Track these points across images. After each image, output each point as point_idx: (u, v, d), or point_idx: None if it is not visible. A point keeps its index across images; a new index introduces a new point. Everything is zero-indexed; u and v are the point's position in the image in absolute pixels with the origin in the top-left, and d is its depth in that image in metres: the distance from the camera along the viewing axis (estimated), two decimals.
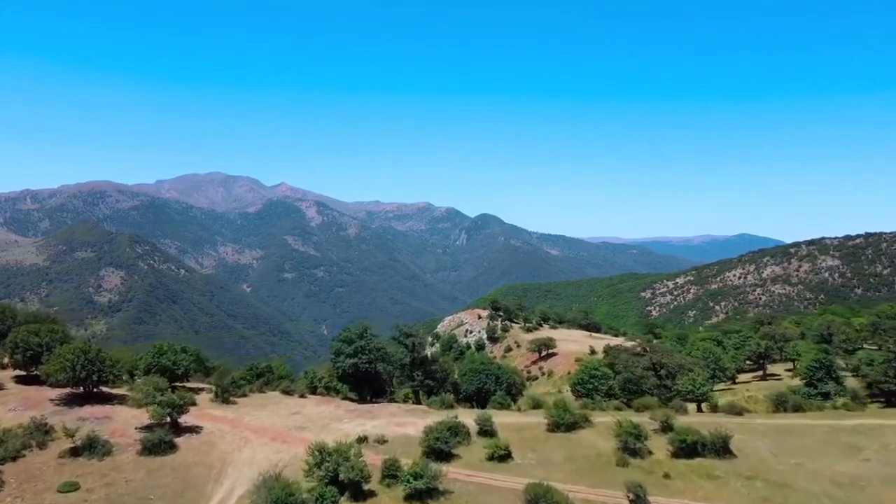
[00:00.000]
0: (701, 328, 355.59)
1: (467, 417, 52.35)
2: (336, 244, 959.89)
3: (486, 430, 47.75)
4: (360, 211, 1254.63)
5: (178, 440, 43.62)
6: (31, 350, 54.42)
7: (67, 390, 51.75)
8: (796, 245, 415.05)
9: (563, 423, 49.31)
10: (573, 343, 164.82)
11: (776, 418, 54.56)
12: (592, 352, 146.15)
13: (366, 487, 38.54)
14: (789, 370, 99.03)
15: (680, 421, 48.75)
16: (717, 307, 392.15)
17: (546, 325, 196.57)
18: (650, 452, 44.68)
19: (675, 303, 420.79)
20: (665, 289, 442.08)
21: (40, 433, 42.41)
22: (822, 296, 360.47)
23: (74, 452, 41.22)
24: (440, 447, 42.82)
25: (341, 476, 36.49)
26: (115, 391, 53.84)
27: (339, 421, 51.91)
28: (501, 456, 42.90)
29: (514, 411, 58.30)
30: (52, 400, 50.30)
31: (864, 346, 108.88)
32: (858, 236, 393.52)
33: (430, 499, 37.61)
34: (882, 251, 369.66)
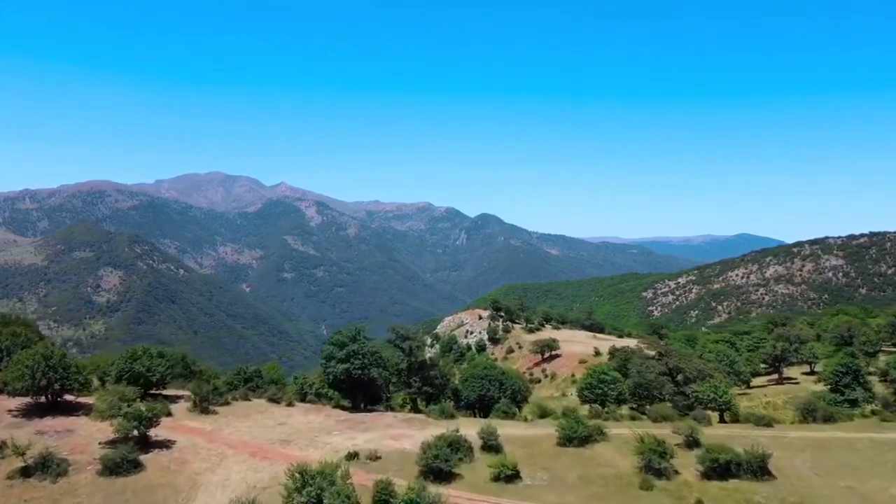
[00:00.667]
0: (704, 328, 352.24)
1: (469, 429, 47.52)
2: (336, 244, 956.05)
3: (491, 445, 42.78)
4: (359, 211, 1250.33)
5: (144, 457, 38.71)
6: None
7: (28, 400, 46.98)
8: (799, 244, 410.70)
9: (576, 437, 44.35)
10: (577, 344, 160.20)
11: (809, 430, 49.59)
12: (597, 353, 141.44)
13: None
14: (806, 373, 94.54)
15: (705, 434, 43.85)
16: (720, 307, 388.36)
17: (548, 326, 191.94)
18: (676, 472, 39.61)
19: (677, 303, 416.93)
20: (667, 288, 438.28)
21: None
22: (826, 295, 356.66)
23: (25, 472, 36.40)
24: (439, 466, 37.95)
25: (325, 502, 31.78)
26: (83, 400, 48.99)
27: (328, 433, 47.04)
28: (509, 476, 37.90)
29: (519, 421, 53.34)
30: (10, 411, 45.53)
31: (884, 348, 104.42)
32: (862, 236, 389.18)
33: None
34: (886, 251, 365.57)
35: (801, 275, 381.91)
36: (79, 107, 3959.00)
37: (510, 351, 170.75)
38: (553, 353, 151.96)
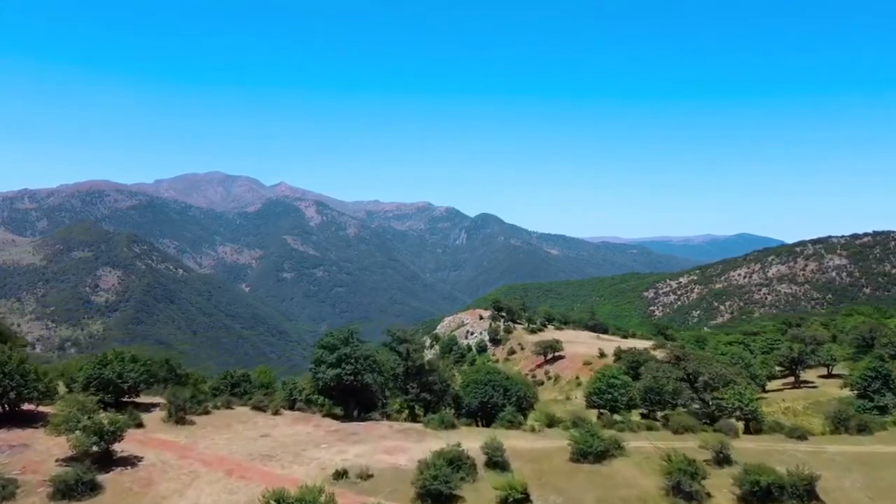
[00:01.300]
0: (706, 328, 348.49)
1: (472, 441, 42.99)
2: (335, 244, 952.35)
3: (496, 462, 38.04)
4: (359, 210, 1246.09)
5: (104, 477, 34.08)
6: None
7: None
8: (802, 244, 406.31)
9: (591, 452, 39.51)
10: (580, 345, 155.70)
11: (847, 443, 44.86)
12: (602, 355, 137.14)
13: None
14: (823, 376, 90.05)
15: (735, 448, 39.24)
16: (722, 307, 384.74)
17: (551, 326, 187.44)
18: (709, 495, 34.72)
19: (679, 302, 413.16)
20: (668, 288, 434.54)
21: None
22: (830, 295, 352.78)
23: None
24: (438, 488, 33.42)
25: None
26: (46, 409, 44.34)
27: (315, 446, 42.42)
28: (517, 500, 33.27)
29: (526, 431, 48.62)
30: None
31: None
32: (866, 235, 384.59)
33: None
34: (890, 250, 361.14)
35: (804, 274, 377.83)
36: (78, 107, 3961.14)
37: (512, 352, 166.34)
38: (556, 354, 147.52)
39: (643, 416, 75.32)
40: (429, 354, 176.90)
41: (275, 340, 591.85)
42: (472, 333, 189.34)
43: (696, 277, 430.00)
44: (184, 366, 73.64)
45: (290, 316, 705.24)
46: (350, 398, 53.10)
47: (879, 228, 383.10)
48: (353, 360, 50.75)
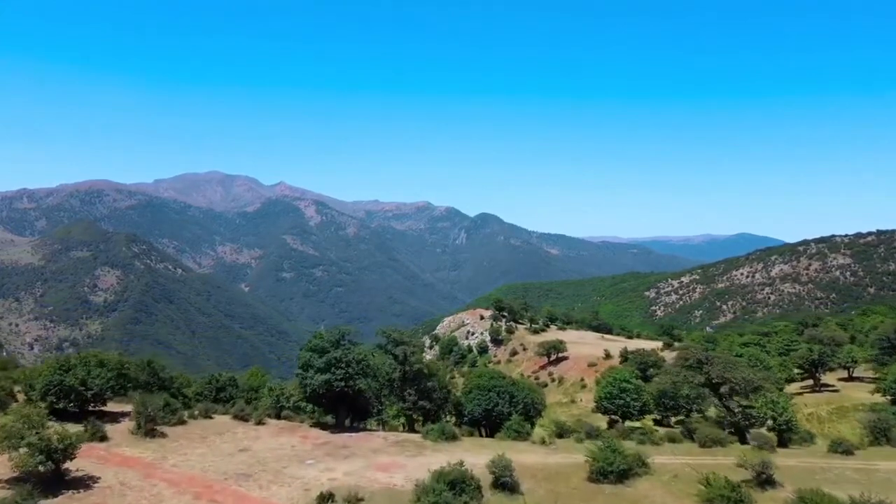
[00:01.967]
0: (709, 328, 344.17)
1: (476, 455, 38.35)
2: (335, 244, 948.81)
3: (505, 483, 33.26)
4: (358, 210, 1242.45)
5: (49, 502, 29.69)
6: None
7: None
8: (805, 243, 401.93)
9: (613, 471, 34.48)
10: (585, 346, 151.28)
11: (891, 458, 40.03)
12: (607, 356, 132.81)
13: None
14: (843, 379, 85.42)
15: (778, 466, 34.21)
16: (725, 307, 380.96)
17: (553, 326, 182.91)
18: None
19: (681, 302, 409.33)
20: (670, 288, 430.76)
21: None
22: (834, 295, 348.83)
23: None
24: None
25: None
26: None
27: (300, 462, 37.75)
28: None
29: (536, 444, 43.90)
30: None
31: None
32: (870, 234, 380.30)
33: None
34: (895, 249, 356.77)
35: (807, 274, 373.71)
36: (78, 106, 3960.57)
37: (514, 353, 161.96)
38: (560, 355, 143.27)
39: (656, 422, 70.91)
40: (429, 355, 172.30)
41: (274, 340, 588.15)
42: (472, 334, 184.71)
43: (697, 277, 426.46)
44: (175, 367, 69.41)
45: (289, 316, 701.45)
46: (341, 406, 48.40)
47: (883, 227, 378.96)
48: (344, 365, 46.03)
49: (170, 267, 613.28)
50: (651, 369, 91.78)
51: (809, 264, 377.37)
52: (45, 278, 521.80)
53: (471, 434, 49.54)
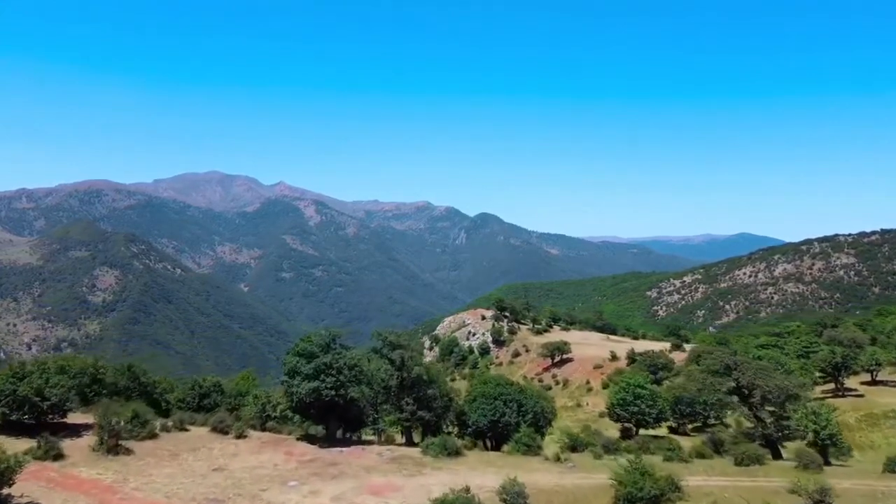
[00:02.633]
0: (711, 328, 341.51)
1: (483, 475, 35.64)
2: (334, 243, 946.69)
3: None
4: (358, 210, 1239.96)
5: None
6: None
7: None
8: (808, 242, 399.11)
9: (644, 497, 30.53)
10: (590, 347, 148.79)
11: None
12: (614, 357, 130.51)
13: None
14: (866, 383, 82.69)
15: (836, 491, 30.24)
16: (728, 307, 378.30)
17: (557, 327, 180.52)
18: None
19: (683, 302, 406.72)
20: (672, 287, 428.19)
21: None
22: (838, 294, 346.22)
23: None
24: None
25: None
26: None
27: (281, 484, 34.15)
28: None
29: (549, 460, 41.03)
30: None
31: None
32: (874, 233, 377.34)
33: None
34: None
35: (811, 273, 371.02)
36: (77, 106, 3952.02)
37: (516, 354, 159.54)
38: (564, 356, 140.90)
39: (671, 429, 68.52)
40: (429, 356, 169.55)
41: (273, 340, 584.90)
42: (473, 334, 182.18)
43: (700, 276, 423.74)
44: (175, 367, 66.72)
45: (288, 316, 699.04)
46: (332, 416, 45.09)
47: (886, 227, 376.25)
48: (335, 371, 42.78)
49: (169, 267, 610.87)
50: (661, 372, 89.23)
51: (813, 264, 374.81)
52: (44, 278, 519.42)
53: (474, 444, 46.90)
